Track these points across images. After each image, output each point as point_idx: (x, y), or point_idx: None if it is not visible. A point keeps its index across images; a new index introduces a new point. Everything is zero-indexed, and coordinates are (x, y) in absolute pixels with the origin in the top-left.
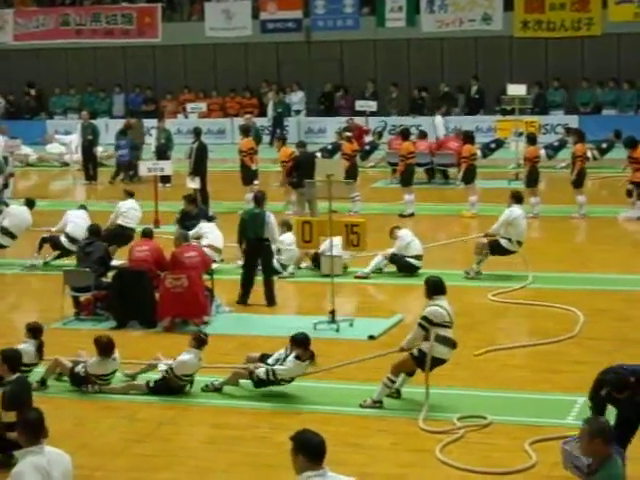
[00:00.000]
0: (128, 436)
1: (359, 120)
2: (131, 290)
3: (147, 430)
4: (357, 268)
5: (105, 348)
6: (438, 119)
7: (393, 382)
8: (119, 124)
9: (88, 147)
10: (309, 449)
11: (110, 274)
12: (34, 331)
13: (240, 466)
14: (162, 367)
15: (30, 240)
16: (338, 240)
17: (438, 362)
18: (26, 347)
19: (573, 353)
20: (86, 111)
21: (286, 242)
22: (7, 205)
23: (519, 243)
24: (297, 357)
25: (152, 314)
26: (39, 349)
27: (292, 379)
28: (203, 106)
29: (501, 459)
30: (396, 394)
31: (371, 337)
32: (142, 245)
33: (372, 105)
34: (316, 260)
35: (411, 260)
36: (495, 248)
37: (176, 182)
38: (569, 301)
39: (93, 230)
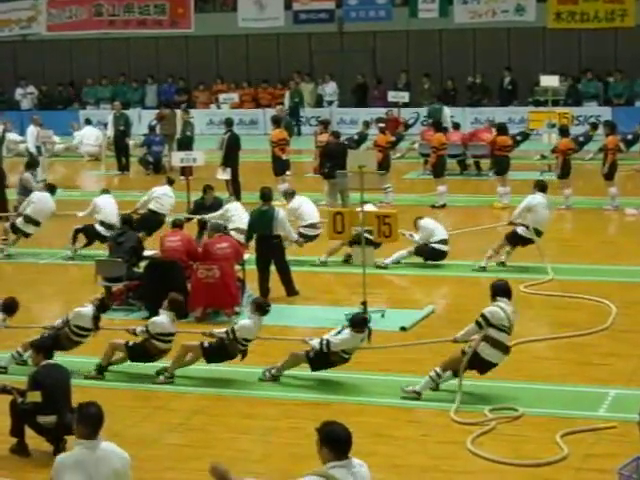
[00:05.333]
0: (161, 426)
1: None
2: (163, 280)
3: (180, 420)
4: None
5: (176, 305)
6: (446, 110)
7: (440, 376)
8: (152, 115)
9: (120, 138)
10: (335, 442)
11: (142, 264)
12: (101, 303)
13: (274, 456)
14: (219, 331)
15: (60, 228)
16: None
17: (484, 364)
18: (85, 310)
19: (605, 345)
20: (119, 101)
21: (295, 207)
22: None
23: (537, 232)
24: (355, 332)
25: (184, 304)
26: (95, 319)
27: (347, 355)
28: (235, 97)
29: (532, 451)
30: (435, 388)
31: (402, 328)
32: (173, 235)
33: (404, 96)
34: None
35: (436, 246)
36: (512, 238)
37: (197, 175)
38: (601, 293)
39: (125, 220)
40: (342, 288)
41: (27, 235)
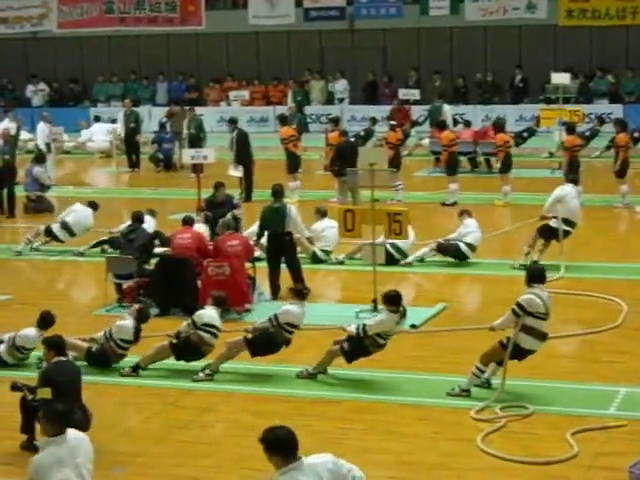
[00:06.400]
0: (170, 423)
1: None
2: (173, 277)
3: (189, 417)
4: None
5: (221, 300)
6: (446, 107)
7: (482, 372)
8: (162, 112)
9: (131, 135)
10: (280, 447)
11: (153, 261)
12: (140, 314)
13: None
14: (262, 322)
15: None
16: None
17: (524, 352)
18: (126, 323)
19: (616, 343)
20: (129, 99)
21: (318, 229)
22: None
23: (569, 223)
24: (389, 311)
25: (194, 301)
26: (136, 330)
27: (382, 340)
28: (246, 94)
29: (542, 449)
30: (486, 384)
31: (412, 326)
32: (184, 233)
33: (415, 93)
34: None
35: (463, 247)
36: (545, 231)
37: (208, 172)
38: (612, 291)
39: (136, 217)
40: (354, 285)
41: (58, 240)
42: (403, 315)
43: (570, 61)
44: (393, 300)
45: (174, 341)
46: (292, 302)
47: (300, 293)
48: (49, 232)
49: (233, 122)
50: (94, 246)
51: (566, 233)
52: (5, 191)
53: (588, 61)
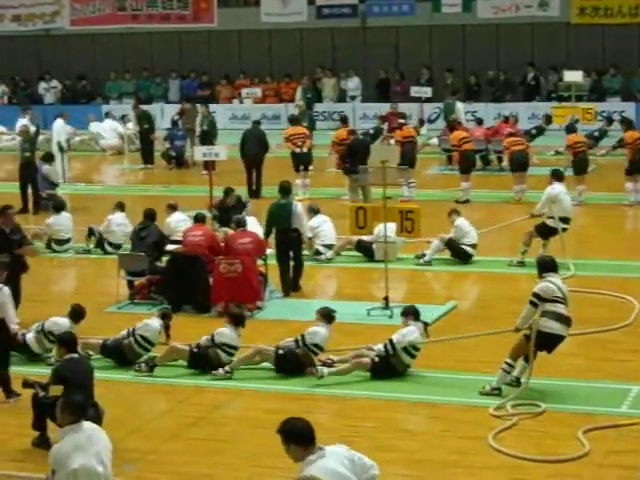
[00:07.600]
0: (181, 420)
1: (414, 106)
2: (185, 274)
3: (201, 414)
4: (406, 254)
5: (238, 319)
6: (459, 105)
7: (512, 367)
8: (174, 109)
9: (146, 135)
10: (298, 436)
11: (164, 258)
12: (162, 314)
13: None
14: (288, 340)
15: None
16: (393, 226)
17: (551, 338)
18: (152, 323)
19: (628, 341)
20: (135, 101)
21: (314, 226)
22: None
23: (564, 220)
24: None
25: (206, 299)
26: (166, 328)
27: (409, 357)
28: (258, 91)
29: (554, 447)
30: (515, 382)
31: (425, 324)
32: (196, 230)
33: (427, 91)
34: (359, 247)
35: (466, 247)
36: (543, 230)
37: (220, 169)
38: (624, 289)
39: (148, 214)
40: (365, 283)
41: (55, 251)
42: (425, 330)
43: (582, 59)
44: (410, 311)
45: (194, 349)
46: (320, 324)
47: (327, 316)
48: (49, 246)
49: (253, 122)
50: (89, 235)
51: (562, 230)
52: (17, 188)
53: (601, 59)
